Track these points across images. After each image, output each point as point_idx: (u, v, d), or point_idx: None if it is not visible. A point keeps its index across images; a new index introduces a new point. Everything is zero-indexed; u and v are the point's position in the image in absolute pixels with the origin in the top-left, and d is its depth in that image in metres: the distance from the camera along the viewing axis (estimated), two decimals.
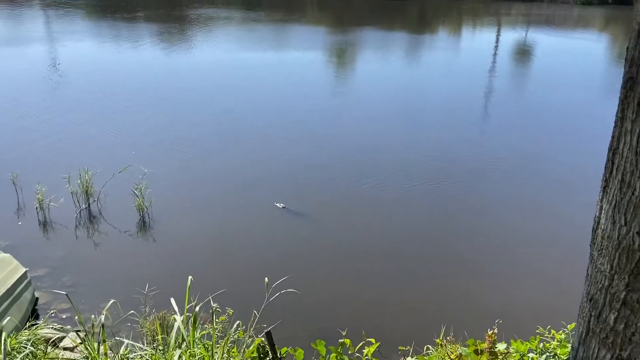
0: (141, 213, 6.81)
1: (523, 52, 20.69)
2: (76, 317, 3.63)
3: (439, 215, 7.15)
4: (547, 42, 23.06)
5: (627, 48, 1.35)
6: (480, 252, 6.33)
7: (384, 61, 17.51)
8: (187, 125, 10.32)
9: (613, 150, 1.42)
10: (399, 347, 3.17)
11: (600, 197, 1.50)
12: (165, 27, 23.35)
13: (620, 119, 1.37)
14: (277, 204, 7.16)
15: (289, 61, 17.07)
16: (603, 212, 1.48)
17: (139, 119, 10.60)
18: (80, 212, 6.89)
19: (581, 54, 20.37)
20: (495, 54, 19.61)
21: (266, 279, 3.37)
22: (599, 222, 1.51)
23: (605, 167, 1.44)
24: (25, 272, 4.80)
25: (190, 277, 4.28)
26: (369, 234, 6.68)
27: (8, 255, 4.81)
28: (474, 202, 7.51)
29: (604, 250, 1.48)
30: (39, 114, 10.71)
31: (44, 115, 10.66)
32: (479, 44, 22.31)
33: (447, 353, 2.98)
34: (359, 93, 13.49)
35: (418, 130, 10.52)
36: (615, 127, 1.40)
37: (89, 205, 7.00)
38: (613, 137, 1.42)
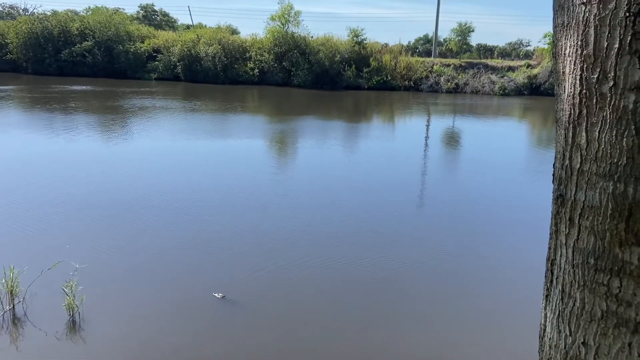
0: (71, 313, 6.36)
1: (452, 138, 22.05)
2: None
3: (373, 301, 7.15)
4: (473, 128, 24.80)
5: (554, 166, 1.49)
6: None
7: (322, 149, 18.06)
8: (121, 217, 10.00)
9: (551, 261, 1.51)
10: None
11: (543, 304, 1.57)
12: (100, 117, 23.24)
13: (555, 232, 1.48)
14: (216, 294, 6.95)
15: (228, 149, 17.29)
16: (548, 320, 1.54)
17: (70, 212, 10.19)
18: (3, 314, 6.35)
19: (504, 138, 21.98)
20: (426, 140, 20.76)
21: None
22: (544, 330, 1.57)
23: (545, 277, 1.53)
24: None
25: None
26: (316, 324, 6.53)
27: None
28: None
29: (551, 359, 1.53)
30: None
31: None
32: (411, 131, 23.62)
33: None
34: (296, 181, 13.71)
35: (350, 224, 10.72)
36: (550, 238, 1.51)
37: (13, 307, 6.48)
38: (550, 248, 1.52)
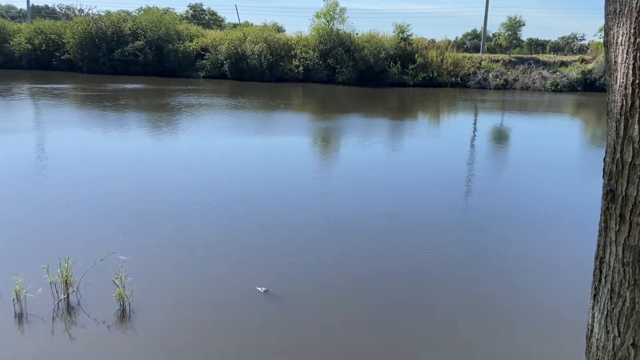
0: (121, 303, 6.60)
1: (500, 136, 21.49)
2: None
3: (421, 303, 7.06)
4: (523, 126, 24.09)
5: (604, 160, 1.43)
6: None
7: (366, 147, 17.98)
8: (172, 212, 10.28)
9: (600, 259, 1.45)
10: None
11: (591, 304, 1.50)
12: (149, 115, 23.96)
13: (604, 229, 1.41)
14: (259, 288, 7.06)
15: (271, 147, 17.48)
16: (595, 320, 1.48)
17: (125, 206, 10.57)
18: (58, 303, 6.66)
19: (555, 136, 21.23)
20: (473, 138, 20.32)
21: None
22: (592, 331, 1.51)
23: (594, 275, 1.46)
24: None
25: None
26: (361, 319, 6.52)
27: None
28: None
29: None
30: (22, 202, 10.63)
31: (27, 203, 10.58)
32: (458, 129, 23.18)
33: None
34: (338, 179, 13.70)
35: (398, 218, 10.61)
36: (599, 236, 1.44)
37: (67, 296, 6.78)
38: (599, 246, 1.46)
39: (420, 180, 13.35)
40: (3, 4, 76.72)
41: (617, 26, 1.33)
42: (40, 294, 6.60)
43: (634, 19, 1.26)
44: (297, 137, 19.07)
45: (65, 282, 6.80)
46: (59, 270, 6.78)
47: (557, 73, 38.89)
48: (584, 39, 51.78)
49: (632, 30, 1.27)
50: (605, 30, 1.41)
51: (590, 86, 37.74)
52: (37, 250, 8.08)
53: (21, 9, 67.78)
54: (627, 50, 1.30)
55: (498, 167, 15.88)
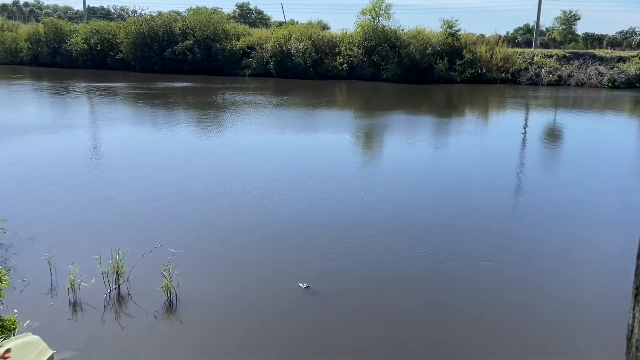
0: (168, 295, 6.81)
1: (552, 134, 20.77)
2: None
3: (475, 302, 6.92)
4: (577, 123, 23.17)
5: None
6: None
7: (413, 144, 17.78)
8: (218, 207, 10.51)
9: None
10: None
11: (632, 304, 1.45)
12: (196, 112, 24.52)
13: None
14: (300, 284, 7.12)
15: (314, 144, 17.55)
16: (636, 321, 1.42)
17: (173, 200, 10.88)
18: (109, 292, 6.94)
19: (612, 135, 20.32)
20: (524, 136, 19.73)
21: None
22: (632, 331, 1.45)
23: (635, 275, 1.41)
24: (52, 354, 4.79)
25: None
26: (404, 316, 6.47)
27: (37, 337, 4.84)
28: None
29: None
30: (77, 196, 11.13)
31: (82, 197, 11.06)
32: (507, 126, 22.55)
33: None
34: (379, 177, 13.61)
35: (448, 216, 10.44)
36: None
37: (118, 286, 7.05)
38: None
39: (466, 180, 13.07)
40: (61, 5, 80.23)
41: None
42: (93, 284, 6.91)
43: None
44: (340, 135, 19.06)
45: (117, 273, 7.07)
46: (110, 262, 7.06)
47: (615, 69, 37.17)
48: None
49: None
50: None
51: None
52: (91, 241, 8.43)
53: (78, 10, 70.75)
54: None
55: (549, 167, 15.37)
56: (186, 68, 42.77)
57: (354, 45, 40.30)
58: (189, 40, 43.09)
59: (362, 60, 39.62)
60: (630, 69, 36.56)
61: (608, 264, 8.15)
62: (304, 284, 7.12)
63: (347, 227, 9.46)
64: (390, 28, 40.70)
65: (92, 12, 67.42)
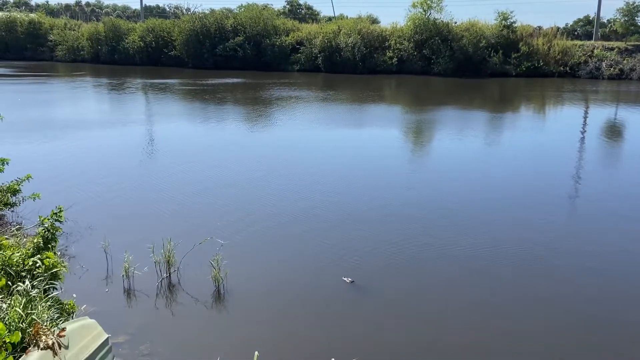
0: (217, 284, 6.95)
1: (613, 131, 19.79)
2: None
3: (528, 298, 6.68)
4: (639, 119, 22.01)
5: None
6: None
7: (464, 141, 17.39)
8: (266, 201, 10.63)
9: None
10: None
11: None
12: (246, 107, 24.89)
13: None
14: (345, 279, 7.10)
15: (364, 140, 17.45)
16: None
17: (222, 194, 11.10)
18: (161, 281, 7.15)
19: None
20: (582, 133, 18.91)
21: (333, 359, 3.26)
22: None
23: None
24: (107, 338, 4.97)
25: (256, 352, 4.25)
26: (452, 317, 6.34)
27: (93, 321, 5.03)
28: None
29: None
30: (132, 188, 11.54)
31: (137, 189, 11.46)
32: (564, 122, 21.67)
33: None
34: (425, 173, 13.37)
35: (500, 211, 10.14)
36: None
37: (169, 275, 7.25)
38: None
39: (518, 178, 12.66)
40: (120, 5, 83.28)
41: None
42: (146, 272, 7.14)
43: None
44: (388, 130, 18.87)
45: (168, 262, 7.28)
46: (162, 251, 7.27)
47: None
48: None
49: None
50: None
51: None
52: (145, 232, 8.71)
53: (135, 9, 73.30)
54: None
55: (608, 165, 14.66)
56: (237, 64, 43.52)
57: (404, 39, 39.80)
58: (239, 36, 43.81)
59: (412, 54, 39.08)
60: None
61: None
62: (349, 279, 7.10)
63: (393, 222, 9.35)
64: (442, 21, 39.94)
65: (149, 11, 69.71)
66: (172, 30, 47.39)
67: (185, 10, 65.59)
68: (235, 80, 36.13)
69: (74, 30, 55.77)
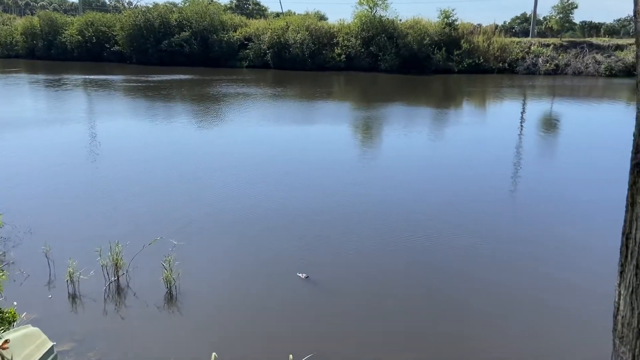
0: (168, 286, 6.84)
1: (549, 124, 20.78)
2: None
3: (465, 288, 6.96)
4: (574, 112, 23.19)
5: (634, 134, 1.39)
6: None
7: (410, 136, 17.79)
8: (217, 200, 10.52)
9: (626, 235, 1.41)
10: None
11: (617, 282, 1.47)
12: (194, 104, 24.49)
13: (631, 204, 1.38)
14: (300, 274, 7.16)
15: (313, 136, 17.56)
16: (621, 298, 1.45)
17: (172, 193, 10.90)
18: (109, 285, 6.97)
19: (609, 124, 20.34)
20: (521, 126, 19.74)
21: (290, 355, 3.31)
22: (618, 308, 1.48)
23: (620, 252, 1.43)
24: (52, 346, 4.82)
25: (214, 354, 4.24)
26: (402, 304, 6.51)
27: (36, 329, 4.85)
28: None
29: (624, 338, 1.44)
30: (74, 189, 11.13)
31: (80, 191, 11.07)
32: (505, 116, 22.55)
33: None
34: (377, 169, 13.63)
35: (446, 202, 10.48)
36: (626, 212, 1.40)
37: (117, 278, 7.08)
38: (625, 221, 1.42)
39: (463, 170, 13.10)
40: None
41: None
42: (92, 276, 6.93)
43: None
44: (337, 127, 19.06)
45: (116, 265, 7.08)
46: (109, 254, 7.09)
47: (612, 57, 37.14)
48: None
49: None
50: (634, 0, 1.37)
51: None
52: (89, 235, 8.44)
53: (73, 2, 70.32)
54: None
55: (546, 156, 15.40)
56: (183, 60, 42.63)
57: (352, 36, 40.18)
58: (185, 32, 42.93)
59: (360, 51, 39.52)
60: (628, 56, 36.52)
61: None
62: (304, 274, 7.16)
63: (343, 217, 9.48)
64: (387, 18, 40.57)
65: (88, 5, 67.03)
66: (113, 25, 45.84)
67: (127, 3, 63.51)
68: (181, 76, 35.39)
69: (6, 24, 52.97)
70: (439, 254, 8.05)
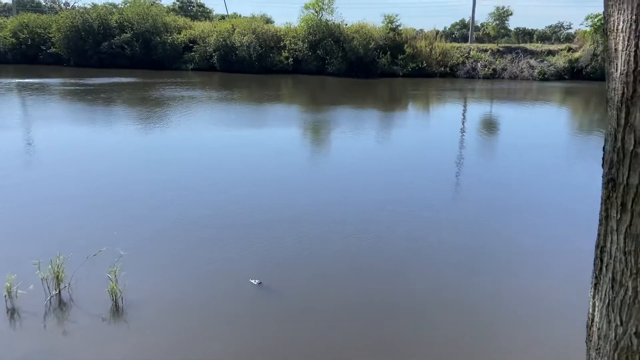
0: (114, 298, 6.56)
1: (489, 125, 21.57)
2: None
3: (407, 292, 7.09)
4: (511, 114, 24.19)
5: (604, 149, 1.42)
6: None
7: (357, 138, 17.98)
8: (164, 207, 10.22)
9: (600, 248, 1.44)
10: None
11: (591, 293, 1.50)
12: (136, 109, 23.77)
13: (605, 218, 1.41)
14: (252, 281, 7.06)
15: (259, 140, 17.43)
16: (597, 309, 1.48)
17: (115, 201, 10.49)
18: (50, 299, 6.60)
19: (544, 124, 21.35)
20: (463, 127, 20.38)
21: None
22: (593, 320, 1.51)
23: (595, 264, 1.46)
24: None
25: None
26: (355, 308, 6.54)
27: None
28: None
29: (601, 350, 1.47)
30: (9, 200, 10.52)
31: (15, 202, 10.47)
32: (448, 119, 23.22)
33: None
34: (325, 172, 13.71)
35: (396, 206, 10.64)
36: (600, 225, 1.44)
37: (59, 292, 6.72)
38: (599, 235, 1.45)
39: (410, 171, 13.37)
40: None
41: (618, 13, 1.31)
42: (31, 291, 6.55)
43: (635, 5, 1.25)
44: (286, 130, 19.01)
45: (57, 278, 6.74)
46: (50, 267, 6.72)
47: (545, 62, 39.05)
48: (570, 28, 51.99)
49: (634, 17, 1.26)
50: (605, 17, 1.40)
51: (577, 75, 37.99)
52: (29, 247, 8.00)
53: (6, 3, 66.71)
54: (629, 37, 1.29)
55: (488, 156, 15.96)
56: (125, 62, 41.36)
57: (299, 40, 40.26)
58: (126, 33, 41.65)
59: (307, 55, 39.66)
60: (559, 62, 38.52)
61: (553, 249, 8.55)
62: (256, 281, 7.07)
63: (293, 222, 9.45)
64: (333, 22, 40.93)
65: (22, 6, 63.74)
66: (49, 26, 43.80)
67: (64, 4, 60.89)
68: (123, 79, 34.25)
69: None
70: (376, 258, 8.15)
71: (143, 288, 6.92)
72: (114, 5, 48.69)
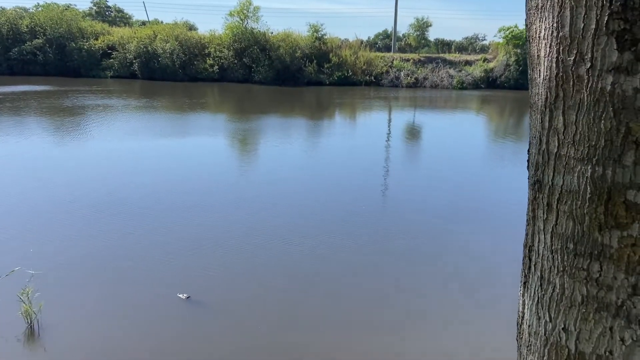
0: (29, 320, 6.09)
1: (413, 132, 22.31)
2: None
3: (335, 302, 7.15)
4: (433, 121, 25.19)
5: (529, 152, 1.47)
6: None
7: (283, 148, 17.97)
8: (80, 222, 9.66)
9: (529, 248, 1.49)
10: None
11: (521, 291, 1.55)
12: (51, 118, 22.46)
13: (532, 218, 1.46)
14: (180, 295, 6.82)
15: (185, 150, 17.00)
16: (526, 307, 1.53)
17: (27, 217, 9.78)
18: None
19: (464, 130, 22.40)
20: (388, 135, 20.94)
21: None
22: (523, 317, 1.56)
23: (523, 263, 1.51)
24: None
25: None
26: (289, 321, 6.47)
27: None
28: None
29: (532, 347, 1.51)
30: None
31: None
32: (373, 126, 23.77)
33: None
34: (261, 181, 13.59)
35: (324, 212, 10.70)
36: (528, 225, 1.49)
37: None
38: (527, 234, 1.50)
39: (338, 178, 13.52)
40: None
41: (540, 21, 1.37)
42: None
43: (556, 13, 1.31)
44: (212, 139, 18.65)
45: None
46: None
47: (463, 72, 41.03)
48: (485, 40, 55.05)
49: (555, 25, 1.32)
50: (526, 25, 1.45)
51: (493, 83, 40.21)
52: None
53: None
54: (550, 44, 1.34)
55: (413, 162, 16.48)
56: (38, 69, 38.99)
57: (224, 47, 39.74)
58: (38, 39, 39.28)
59: (233, 63, 39.23)
60: (476, 71, 40.62)
61: (478, 243, 8.92)
62: (184, 295, 6.83)
63: (219, 236, 9.25)
64: (259, 31, 40.78)
65: None
66: None
67: None
68: (35, 87, 32.19)
69: None
70: (306, 265, 8.17)
71: (62, 308, 6.47)
72: (25, 10, 45.75)
